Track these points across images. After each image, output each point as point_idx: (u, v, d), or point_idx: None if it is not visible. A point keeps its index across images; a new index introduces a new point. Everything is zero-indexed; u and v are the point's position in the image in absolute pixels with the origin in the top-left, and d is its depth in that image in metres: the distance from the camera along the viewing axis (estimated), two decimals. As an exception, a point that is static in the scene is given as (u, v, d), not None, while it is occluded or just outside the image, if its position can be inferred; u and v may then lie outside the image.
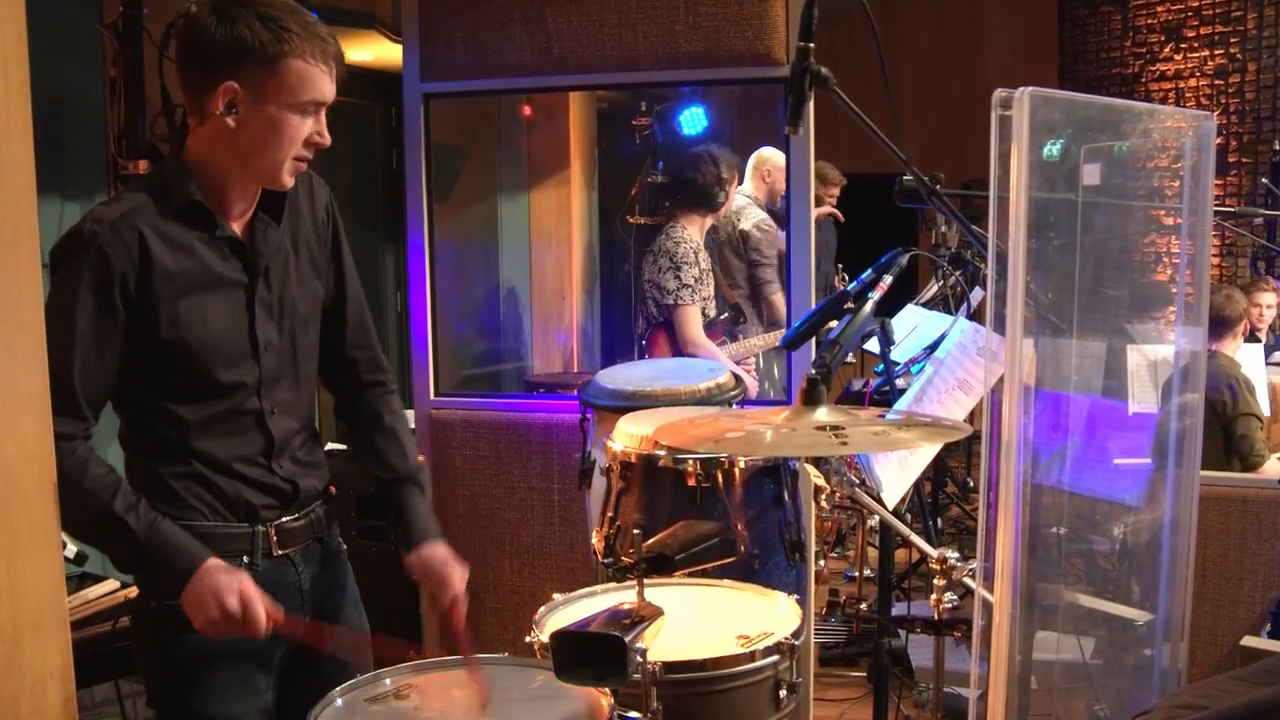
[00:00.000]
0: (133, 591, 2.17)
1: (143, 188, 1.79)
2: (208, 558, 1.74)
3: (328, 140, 1.80)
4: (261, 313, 1.85)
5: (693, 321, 4.07)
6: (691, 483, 2.25)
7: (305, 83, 1.74)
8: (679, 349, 4.10)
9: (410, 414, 3.60)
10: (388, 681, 1.74)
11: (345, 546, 2.08)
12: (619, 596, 1.97)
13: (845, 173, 6.27)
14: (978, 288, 4.64)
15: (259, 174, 1.80)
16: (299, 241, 1.93)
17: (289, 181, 1.81)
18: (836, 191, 6.19)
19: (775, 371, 5.00)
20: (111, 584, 2.80)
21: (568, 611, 1.97)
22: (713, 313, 4.20)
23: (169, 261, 1.74)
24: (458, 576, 1.96)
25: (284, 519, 1.90)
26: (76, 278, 1.68)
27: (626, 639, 1.52)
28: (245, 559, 1.85)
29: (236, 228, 1.83)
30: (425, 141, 3.41)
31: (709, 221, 4.31)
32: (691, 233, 4.18)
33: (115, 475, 1.73)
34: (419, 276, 3.45)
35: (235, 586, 1.72)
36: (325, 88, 1.76)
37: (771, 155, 5.04)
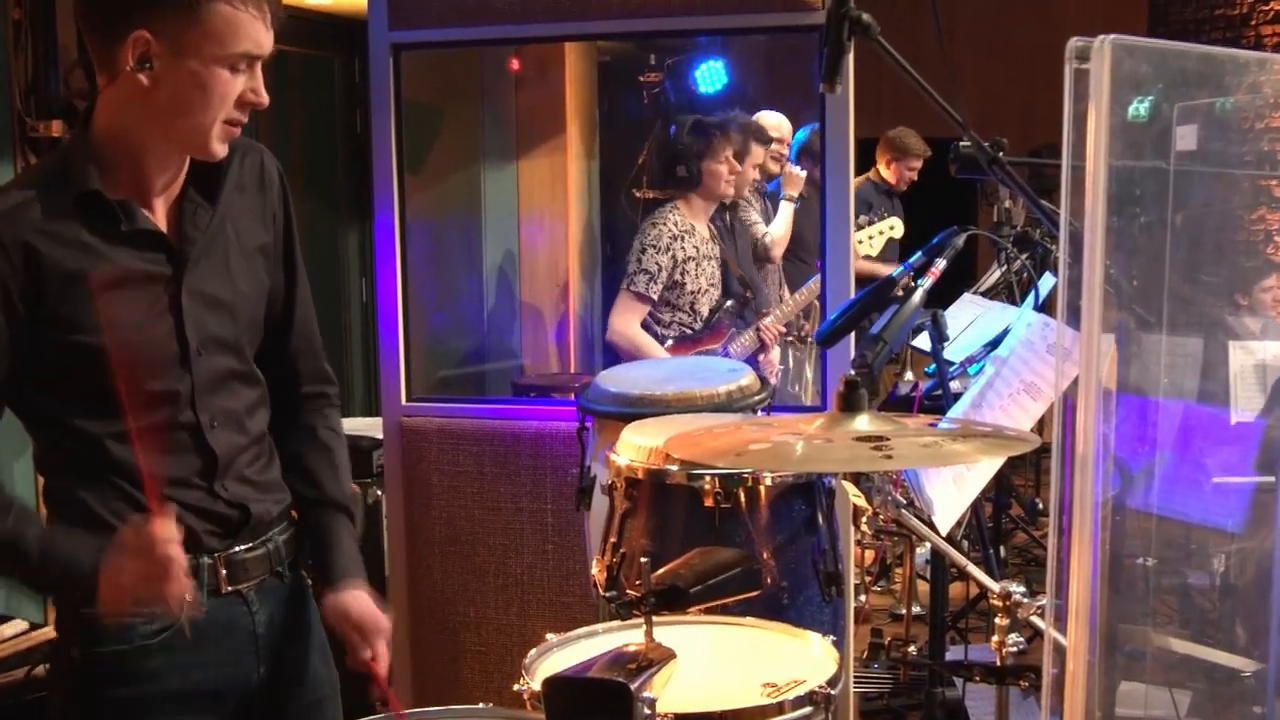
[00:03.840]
0: (48, 633, 2.18)
1: (35, 178, 1.79)
2: (106, 553, 1.72)
3: (264, 99, 1.79)
4: (193, 310, 1.83)
5: (624, 309, 4.16)
6: (709, 503, 2.24)
7: (234, 31, 1.71)
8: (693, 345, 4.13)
9: (377, 422, 3.62)
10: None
11: (311, 583, 2.08)
12: (624, 637, 1.97)
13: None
14: (1048, 274, 4.62)
15: (183, 142, 1.79)
16: (241, 224, 1.92)
17: (220, 150, 1.80)
18: (918, 165, 6.20)
19: (807, 372, 5.00)
20: (20, 624, 2.81)
21: (563, 654, 1.96)
22: (705, 309, 4.24)
23: (66, 262, 1.73)
24: (380, 627, 1.96)
25: (234, 549, 1.90)
26: None
27: (633, 686, 1.52)
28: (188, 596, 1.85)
29: (160, 208, 1.82)
30: (395, 100, 3.40)
31: (710, 205, 4.35)
32: (682, 216, 4.23)
33: None
34: (388, 260, 3.45)
35: (153, 542, 1.69)
36: (260, 36, 1.74)
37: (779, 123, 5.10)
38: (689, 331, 4.24)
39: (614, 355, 4.19)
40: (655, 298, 4.16)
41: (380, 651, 1.95)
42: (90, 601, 1.72)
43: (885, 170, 6.39)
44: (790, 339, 4.84)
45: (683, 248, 4.19)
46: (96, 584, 1.71)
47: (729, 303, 4.34)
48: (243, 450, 1.92)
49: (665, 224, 4.20)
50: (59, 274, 1.72)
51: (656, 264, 4.14)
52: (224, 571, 1.88)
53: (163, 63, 1.71)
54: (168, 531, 1.69)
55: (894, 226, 5.46)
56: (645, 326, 4.18)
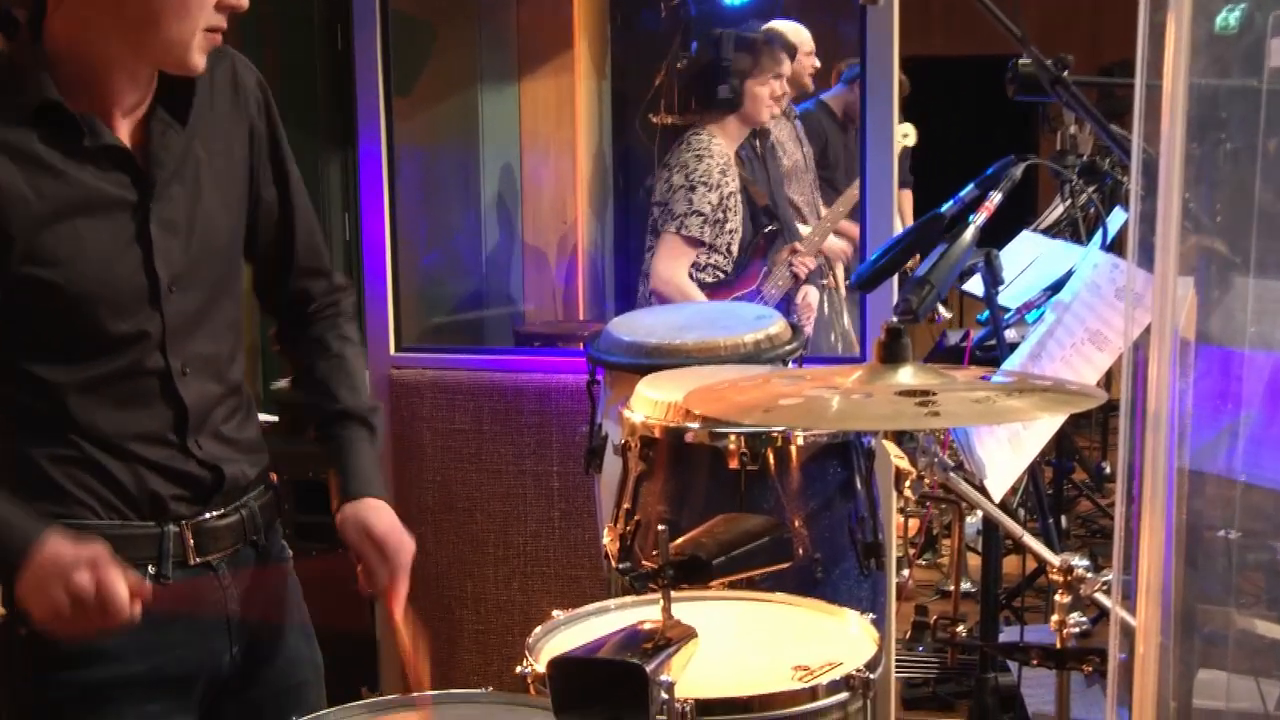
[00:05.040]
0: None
1: None
2: (45, 530, 1.72)
3: (244, 1, 1.78)
4: (163, 241, 1.82)
5: (673, 255, 4.14)
6: (733, 465, 2.25)
7: None
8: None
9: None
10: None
11: (291, 554, 2.09)
12: (638, 614, 1.98)
13: (940, 55, 6.23)
14: (1118, 208, 4.59)
15: (157, 55, 1.78)
16: (216, 145, 1.91)
17: (200, 62, 1.78)
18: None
19: (845, 319, 4.99)
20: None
21: (571, 633, 1.98)
22: (736, 248, 4.24)
23: (20, 183, 1.72)
24: (404, 546, 1.97)
25: (204, 516, 1.90)
26: None
27: (648, 668, 1.52)
28: (151, 569, 1.85)
29: (124, 130, 1.81)
30: (381, 13, 3.39)
31: (745, 130, 4.33)
32: (720, 144, 4.22)
33: None
34: (374, 194, 3.45)
35: (84, 557, 1.69)
36: None
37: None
38: (722, 275, 4.24)
39: (631, 300, 4.19)
40: (707, 241, 4.15)
41: (401, 576, 1.96)
42: (8, 584, 1.72)
43: None
44: (825, 282, 4.83)
45: (728, 181, 4.17)
46: (20, 567, 1.70)
47: (756, 236, 4.34)
48: (218, 402, 1.92)
49: (712, 156, 4.16)
50: (13, 196, 1.71)
51: (709, 203, 4.12)
52: (192, 541, 1.89)
53: None
54: (104, 558, 1.70)
55: (906, 135, 5.41)
56: None
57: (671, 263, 4.15)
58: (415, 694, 1.84)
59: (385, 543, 1.96)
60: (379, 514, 1.98)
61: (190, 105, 1.86)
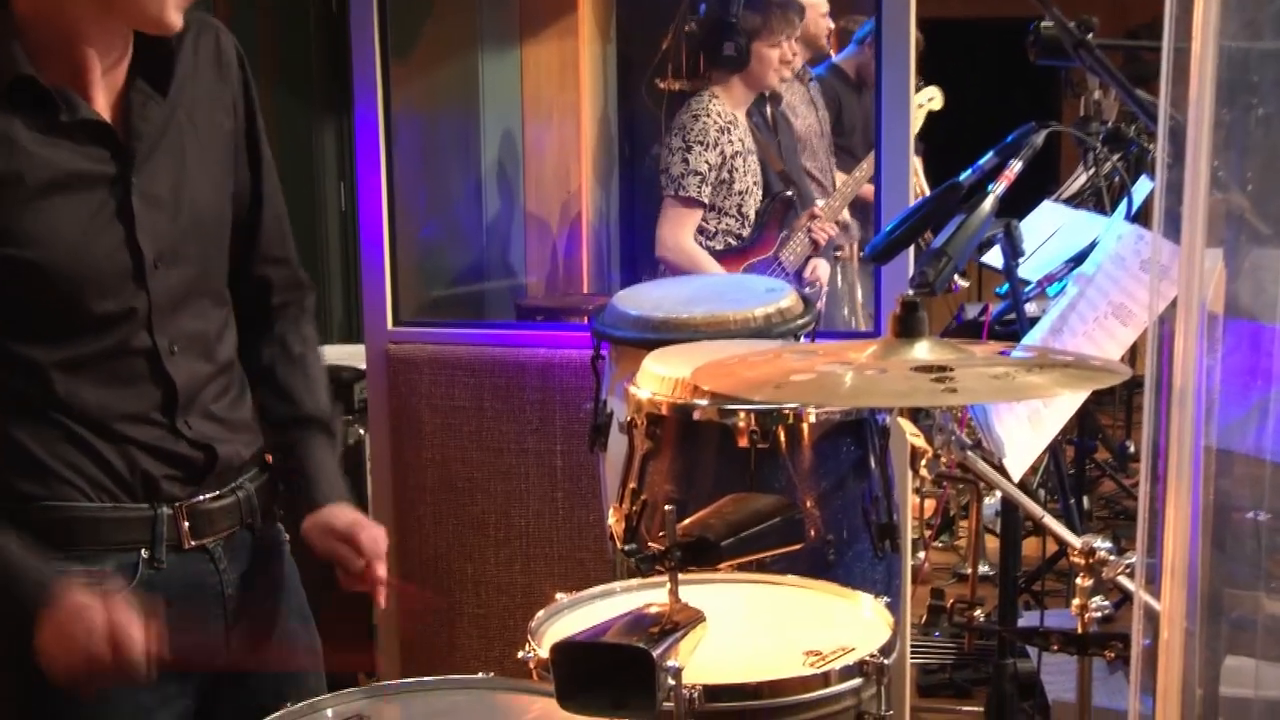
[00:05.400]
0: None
1: None
2: (57, 582, 1.74)
3: None
4: (146, 215, 1.82)
5: (674, 219, 4.17)
6: (743, 443, 2.25)
7: None
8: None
9: (359, 350, 3.63)
10: (329, 713, 1.76)
11: (288, 538, 2.10)
12: (644, 597, 1.98)
13: (958, 17, 6.19)
14: (1143, 177, 4.58)
15: (131, 14, 1.76)
16: (198, 115, 1.90)
17: (176, 19, 1.77)
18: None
19: (858, 292, 4.99)
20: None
21: (575, 617, 1.98)
22: (751, 212, 4.23)
23: None
24: (372, 536, 1.96)
25: (199, 498, 1.91)
26: None
27: (655, 653, 1.53)
28: (145, 552, 1.86)
29: (102, 101, 1.80)
30: (378, -27, 3.38)
31: (752, 94, 4.33)
32: (722, 105, 4.23)
33: None
34: (371, 162, 3.44)
35: (99, 620, 1.71)
36: None
37: None
38: (735, 241, 4.24)
39: (637, 273, 4.19)
40: (707, 201, 4.17)
41: (377, 563, 1.95)
42: (19, 642, 1.73)
43: None
44: (839, 254, 4.82)
45: (729, 141, 4.19)
46: (38, 624, 1.72)
47: (773, 202, 4.34)
48: (208, 381, 1.93)
49: (709, 115, 4.20)
50: None
51: (706, 163, 4.14)
52: (187, 524, 1.89)
53: None
54: (122, 613, 1.71)
55: (932, 98, 5.39)
56: None
57: (674, 227, 4.17)
58: (413, 679, 1.85)
59: (351, 536, 1.96)
60: (339, 514, 1.98)
61: (171, 75, 1.85)
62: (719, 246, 4.23)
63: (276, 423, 2.06)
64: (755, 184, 4.29)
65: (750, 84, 4.33)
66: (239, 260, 2.04)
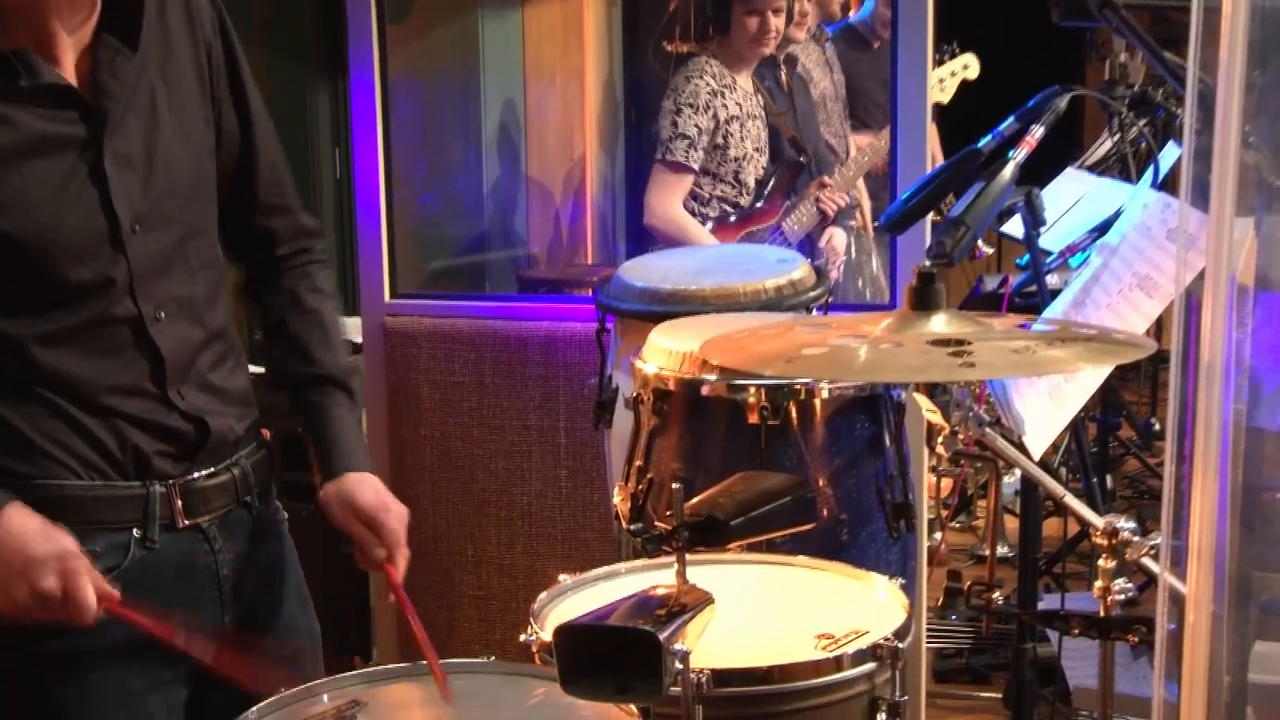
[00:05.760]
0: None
1: None
2: (5, 503, 1.73)
3: None
4: (120, 178, 1.81)
5: (661, 185, 4.16)
6: (753, 419, 2.25)
7: None
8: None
9: (355, 323, 3.63)
10: (325, 698, 1.76)
11: (286, 516, 2.10)
12: (651, 578, 1.98)
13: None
14: (1171, 143, 4.57)
15: None
16: (171, 71, 1.89)
17: None
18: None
19: (873, 264, 4.98)
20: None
21: (579, 599, 1.98)
22: (751, 179, 4.22)
23: None
24: (396, 518, 1.98)
25: (193, 475, 1.91)
26: None
27: (662, 636, 1.53)
28: (137, 532, 1.87)
29: (67, 60, 1.79)
30: (374, -69, 3.37)
31: (746, 55, 4.31)
32: (720, 69, 4.22)
33: None
34: (367, 129, 3.44)
35: (53, 557, 1.70)
36: None
37: None
38: (732, 208, 4.22)
39: (643, 243, 4.18)
40: (697, 167, 4.16)
41: (398, 550, 1.97)
42: None
43: None
44: (853, 223, 4.81)
45: (724, 105, 4.18)
46: None
47: (779, 169, 4.32)
48: (200, 348, 1.92)
49: (701, 78, 4.19)
50: None
51: (696, 126, 4.13)
52: (180, 502, 1.90)
53: None
54: (62, 547, 1.71)
55: (968, 66, 5.34)
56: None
57: (662, 194, 4.17)
58: (413, 664, 1.85)
59: (374, 518, 1.97)
60: (364, 488, 1.99)
61: (139, 28, 1.84)
62: (714, 214, 4.22)
63: (294, 382, 2.07)
64: (757, 150, 4.27)
65: (732, 52, 4.30)
66: (237, 215, 2.03)
